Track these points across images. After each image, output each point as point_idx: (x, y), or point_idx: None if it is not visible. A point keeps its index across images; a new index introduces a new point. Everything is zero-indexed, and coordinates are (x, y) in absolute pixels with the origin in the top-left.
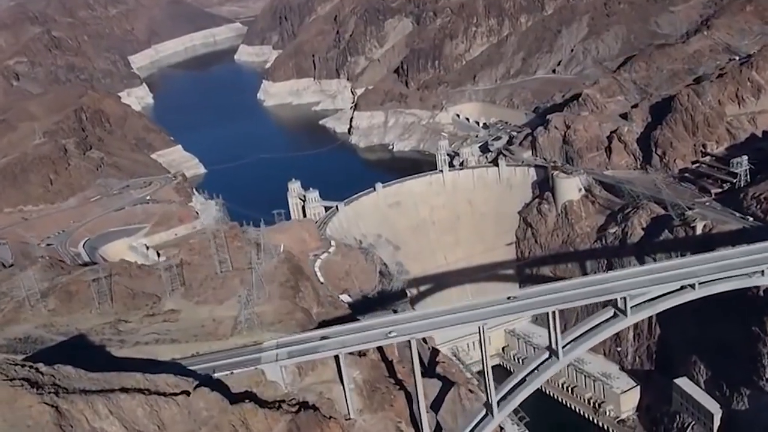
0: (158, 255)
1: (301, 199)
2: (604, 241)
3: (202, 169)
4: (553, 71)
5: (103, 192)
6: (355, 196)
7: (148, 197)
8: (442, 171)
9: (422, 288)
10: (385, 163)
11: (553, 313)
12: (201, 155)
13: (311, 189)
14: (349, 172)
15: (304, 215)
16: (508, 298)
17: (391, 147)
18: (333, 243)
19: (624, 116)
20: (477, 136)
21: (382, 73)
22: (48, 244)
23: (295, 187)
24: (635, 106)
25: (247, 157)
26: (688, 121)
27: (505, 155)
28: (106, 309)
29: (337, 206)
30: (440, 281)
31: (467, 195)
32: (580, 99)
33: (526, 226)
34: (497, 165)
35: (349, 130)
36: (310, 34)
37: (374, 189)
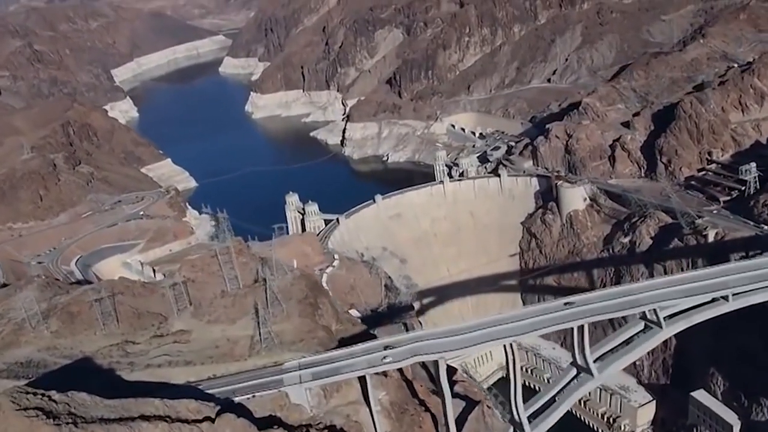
0: (154, 272)
1: (299, 212)
2: (611, 251)
3: (193, 183)
4: (548, 80)
5: (94, 208)
6: (355, 208)
7: (141, 212)
8: (442, 182)
9: (425, 301)
10: (380, 175)
11: (580, 327)
12: (191, 169)
13: (310, 202)
14: (344, 183)
15: (303, 229)
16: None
17: (385, 158)
18: (336, 257)
19: (626, 125)
20: (474, 147)
21: (374, 84)
22: (39, 262)
23: (293, 200)
24: (637, 114)
25: (238, 170)
26: (692, 128)
27: (505, 165)
28: (111, 330)
29: (337, 219)
30: (443, 294)
31: (469, 206)
32: (580, 108)
33: (530, 237)
34: (498, 175)
35: (342, 141)
36: (298, 45)
37: (374, 201)
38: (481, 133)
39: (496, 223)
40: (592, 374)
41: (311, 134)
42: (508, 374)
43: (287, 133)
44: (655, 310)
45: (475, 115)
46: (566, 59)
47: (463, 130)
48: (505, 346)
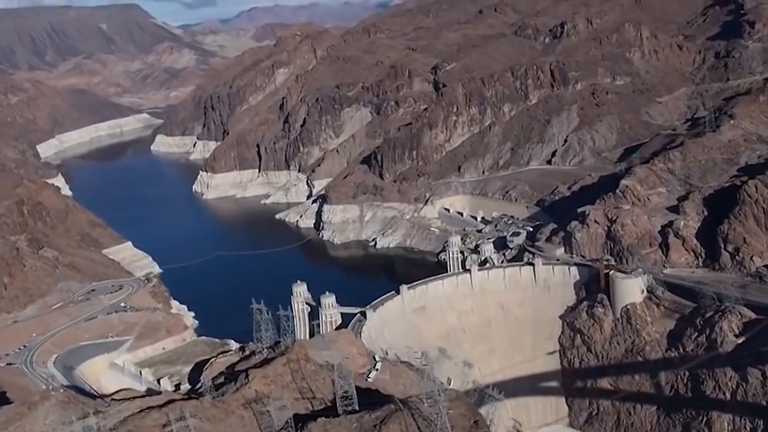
0: (152, 376)
1: (308, 304)
2: (682, 350)
3: (156, 269)
4: (548, 162)
5: (65, 298)
6: (379, 300)
7: (122, 304)
8: (469, 271)
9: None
10: (368, 261)
11: None
12: (150, 253)
13: (327, 293)
14: (333, 271)
15: (314, 327)
16: None
17: (372, 243)
18: (378, 358)
19: (673, 209)
20: (479, 231)
21: (342, 164)
22: (8, 363)
23: (301, 290)
24: (684, 198)
25: (203, 255)
26: (759, 214)
27: (532, 253)
28: None
29: (363, 313)
30: (476, 398)
31: (498, 297)
32: (617, 191)
33: (574, 333)
34: (532, 264)
35: (318, 224)
36: (253, 123)
37: (398, 292)
38: (483, 218)
39: (530, 317)
40: None
41: (277, 216)
42: None
43: (245, 215)
44: None
45: (470, 197)
46: (565, 140)
47: (460, 213)
48: None
